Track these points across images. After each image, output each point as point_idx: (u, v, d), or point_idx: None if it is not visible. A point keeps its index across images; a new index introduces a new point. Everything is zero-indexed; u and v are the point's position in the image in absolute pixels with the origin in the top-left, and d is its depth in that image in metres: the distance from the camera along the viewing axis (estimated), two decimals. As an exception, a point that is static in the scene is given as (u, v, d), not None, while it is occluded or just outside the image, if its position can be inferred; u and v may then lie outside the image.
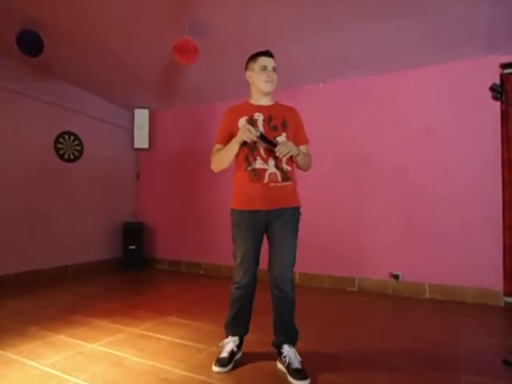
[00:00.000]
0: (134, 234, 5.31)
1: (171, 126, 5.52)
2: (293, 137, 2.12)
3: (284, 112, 2.14)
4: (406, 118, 3.88)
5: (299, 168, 2.19)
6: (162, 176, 5.55)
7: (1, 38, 3.58)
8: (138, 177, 5.83)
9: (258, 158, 2.04)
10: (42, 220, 4.46)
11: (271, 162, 2.03)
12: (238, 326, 2.23)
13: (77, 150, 4.89)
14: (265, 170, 2.03)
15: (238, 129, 2.06)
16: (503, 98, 3.44)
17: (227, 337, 2.25)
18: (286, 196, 2.07)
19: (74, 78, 4.58)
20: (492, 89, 3.46)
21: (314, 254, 4.04)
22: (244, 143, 2.04)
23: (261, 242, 2.14)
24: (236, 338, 2.22)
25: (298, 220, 2.13)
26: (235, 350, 2.18)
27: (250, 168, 2.05)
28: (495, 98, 3.47)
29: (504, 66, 3.46)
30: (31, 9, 3.12)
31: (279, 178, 2.04)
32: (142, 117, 5.45)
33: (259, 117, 2.08)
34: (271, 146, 1.98)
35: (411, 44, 3.39)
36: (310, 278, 4.16)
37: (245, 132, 1.97)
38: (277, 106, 2.18)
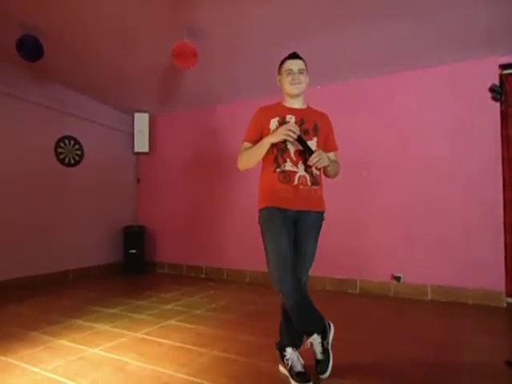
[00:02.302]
0: (135, 238, 5.30)
1: (171, 129, 5.52)
2: (322, 143, 2.10)
3: (316, 117, 2.13)
4: (406, 120, 3.88)
5: (327, 176, 2.18)
6: (162, 180, 5.55)
7: (0, 43, 3.59)
8: (138, 181, 5.84)
9: (288, 160, 2.01)
10: (42, 224, 4.46)
11: (301, 164, 2.01)
12: (293, 335, 2.09)
13: (77, 155, 4.90)
14: (295, 173, 2.01)
15: (269, 129, 2.05)
16: (502, 98, 3.44)
17: (286, 347, 2.08)
18: (313, 199, 2.05)
19: (73, 83, 4.59)
20: (491, 90, 3.45)
21: (316, 256, 4.03)
22: (274, 144, 2.00)
23: (292, 242, 2.02)
24: (295, 351, 2.06)
25: (321, 225, 2.13)
26: (303, 362, 2.02)
27: (279, 170, 2.02)
28: (495, 99, 3.47)
29: (503, 66, 3.46)
30: (30, 15, 3.13)
31: (308, 182, 2.02)
32: (141, 121, 5.46)
33: (291, 119, 2.06)
34: (307, 150, 1.93)
35: (410, 46, 3.40)
36: (311, 280, 4.09)
37: (284, 131, 1.92)
38: (309, 110, 2.17)
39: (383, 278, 3.89)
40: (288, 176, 2.00)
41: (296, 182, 2.00)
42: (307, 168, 2.01)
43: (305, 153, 1.96)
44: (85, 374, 2.08)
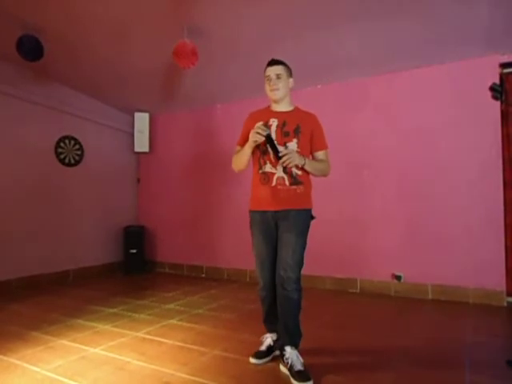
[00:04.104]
0: (135, 238, 5.30)
1: (171, 129, 5.52)
2: (306, 143, 2.16)
3: (300, 118, 2.18)
4: (406, 119, 3.87)
5: (313, 175, 2.22)
6: (162, 179, 5.55)
7: (0, 42, 3.59)
8: (138, 180, 5.84)
9: (268, 161, 2.12)
10: (43, 224, 4.46)
11: (280, 166, 2.08)
12: (271, 323, 2.30)
13: (77, 155, 4.90)
14: (273, 174, 2.11)
15: None
16: (503, 97, 3.44)
17: (267, 332, 2.34)
18: (293, 198, 2.11)
19: (73, 83, 4.59)
20: (492, 88, 3.46)
21: (316, 256, 4.02)
22: (257, 146, 2.10)
23: (273, 243, 2.19)
24: (274, 334, 2.30)
25: (304, 222, 2.16)
26: (272, 344, 2.28)
27: (260, 171, 2.15)
28: (495, 98, 3.47)
29: (503, 65, 3.45)
30: (30, 14, 3.13)
31: (287, 182, 2.10)
32: (142, 120, 5.46)
33: (274, 122, 2.15)
34: (274, 151, 2.01)
35: (410, 44, 3.39)
36: (312, 279, 4.15)
37: (253, 133, 2.03)
38: (294, 111, 2.23)
39: (384, 278, 3.89)
40: (267, 177, 2.12)
41: (274, 183, 2.10)
42: (286, 169, 2.07)
43: (273, 153, 2.04)
44: (86, 374, 2.09)
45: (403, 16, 2.97)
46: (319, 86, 4.31)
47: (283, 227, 2.11)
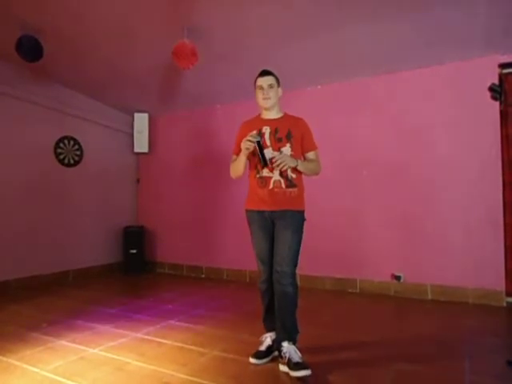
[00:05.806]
0: (135, 238, 5.30)
1: (171, 129, 5.52)
2: (298, 146, 2.28)
3: (290, 124, 2.30)
4: (405, 120, 3.87)
5: (305, 175, 2.32)
6: (162, 180, 5.55)
7: (0, 42, 3.58)
8: (138, 181, 5.84)
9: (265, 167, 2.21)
10: (42, 225, 4.46)
11: (276, 170, 2.20)
12: (271, 320, 2.32)
13: (77, 155, 4.90)
14: (270, 178, 2.23)
15: None
16: (502, 97, 3.44)
17: (266, 332, 2.37)
18: (289, 200, 2.22)
19: (73, 83, 4.59)
20: (491, 89, 3.46)
21: (316, 256, 4.04)
22: (253, 154, 2.20)
23: (270, 239, 2.28)
24: (273, 333, 2.32)
25: (298, 221, 2.25)
26: (272, 344, 2.29)
27: (258, 175, 2.27)
28: (494, 98, 3.47)
29: (503, 65, 3.45)
30: (30, 15, 3.13)
31: (283, 185, 2.22)
32: (141, 121, 5.46)
33: (266, 130, 2.27)
34: (262, 158, 2.13)
35: (410, 45, 3.39)
36: (312, 279, 4.15)
37: (244, 141, 2.15)
38: (284, 118, 2.35)
39: (383, 278, 3.89)
40: (265, 181, 2.24)
41: (271, 186, 2.22)
42: (282, 172, 2.20)
43: (261, 160, 2.14)
44: (85, 374, 2.09)
45: (403, 17, 2.97)
46: (319, 87, 4.31)
47: (280, 226, 2.21)
